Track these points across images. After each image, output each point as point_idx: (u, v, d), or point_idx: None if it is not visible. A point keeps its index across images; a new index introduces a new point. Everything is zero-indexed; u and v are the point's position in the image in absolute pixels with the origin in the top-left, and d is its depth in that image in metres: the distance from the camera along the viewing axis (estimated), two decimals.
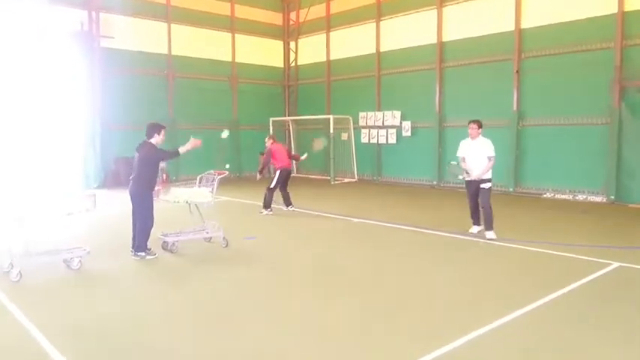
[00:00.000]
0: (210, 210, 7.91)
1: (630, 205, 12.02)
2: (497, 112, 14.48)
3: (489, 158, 8.32)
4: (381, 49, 17.82)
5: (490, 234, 8.27)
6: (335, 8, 19.37)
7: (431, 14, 16.17)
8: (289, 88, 21.53)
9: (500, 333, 4.52)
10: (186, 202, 7.69)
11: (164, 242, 7.62)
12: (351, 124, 18.61)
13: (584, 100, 13.04)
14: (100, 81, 15.98)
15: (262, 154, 12.05)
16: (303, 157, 12.82)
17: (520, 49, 14.16)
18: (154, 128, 7.41)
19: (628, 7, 12.26)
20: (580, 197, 13.09)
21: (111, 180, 15.75)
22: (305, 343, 4.38)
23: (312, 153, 14.30)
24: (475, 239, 8.38)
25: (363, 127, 18.36)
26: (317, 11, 19.97)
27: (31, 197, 6.81)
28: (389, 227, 9.63)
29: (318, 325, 4.78)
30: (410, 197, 14.21)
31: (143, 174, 7.23)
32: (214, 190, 7.87)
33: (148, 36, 17.26)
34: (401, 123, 17.22)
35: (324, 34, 19.82)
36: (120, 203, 7.35)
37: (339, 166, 18.42)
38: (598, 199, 12.81)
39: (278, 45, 21.37)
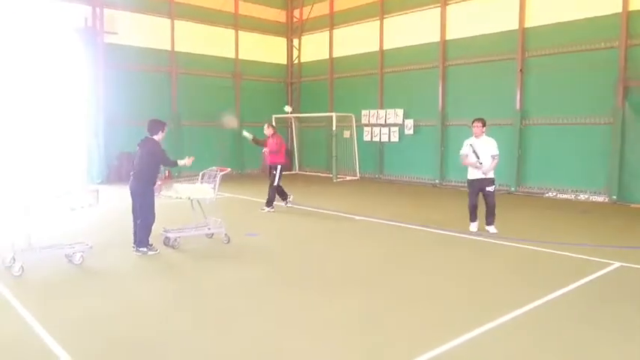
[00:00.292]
0: (212, 206, 7.93)
1: (632, 205, 11.99)
2: (500, 111, 14.45)
3: (493, 157, 8.49)
4: (384, 47, 17.79)
5: (493, 228, 8.68)
6: (338, 6, 19.34)
7: (434, 12, 16.13)
8: (292, 85, 21.52)
9: (500, 332, 4.52)
10: (189, 198, 7.70)
11: (166, 238, 7.64)
12: (354, 121, 18.61)
13: (587, 99, 13.01)
14: (103, 77, 16.00)
15: (258, 143, 11.54)
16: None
17: (524, 48, 14.12)
18: (158, 125, 7.42)
19: (633, 6, 12.20)
20: (582, 197, 13.07)
21: (114, 175, 15.80)
22: (305, 341, 4.39)
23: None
24: (477, 238, 8.38)
25: (366, 125, 18.35)
26: (320, 9, 19.95)
27: (36, 188, 6.84)
28: (391, 225, 9.64)
29: (318, 322, 4.79)
30: (412, 195, 14.21)
31: (145, 170, 7.24)
32: (216, 186, 7.88)
33: (151, 32, 17.27)
34: (403, 121, 17.20)
35: (328, 32, 19.81)
36: (123, 199, 7.37)
37: (342, 164, 18.42)
38: (600, 198, 12.79)
39: (281, 42, 21.35)
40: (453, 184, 15.57)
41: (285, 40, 21.43)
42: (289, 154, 12.52)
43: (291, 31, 21.35)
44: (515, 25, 14.24)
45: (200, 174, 8.19)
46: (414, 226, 9.41)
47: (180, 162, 7.42)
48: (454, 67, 15.86)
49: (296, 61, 21.40)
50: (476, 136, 8.60)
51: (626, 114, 12.33)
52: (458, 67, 15.76)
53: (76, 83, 15.69)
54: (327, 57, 19.89)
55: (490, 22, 14.80)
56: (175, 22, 17.85)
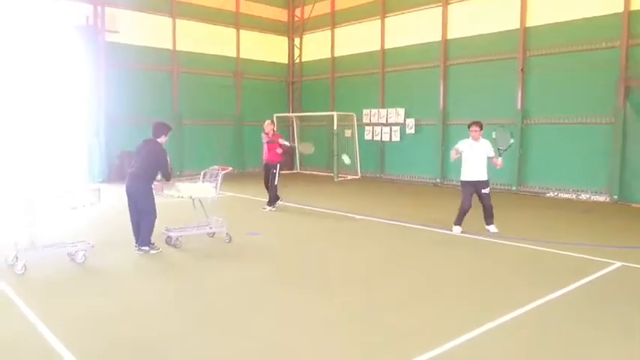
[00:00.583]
0: (213, 205, 7.94)
1: (633, 205, 12.00)
2: (502, 110, 14.45)
3: (489, 158, 8.64)
4: (386, 46, 17.79)
5: (494, 227, 8.71)
6: (340, 5, 19.35)
7: (436, 11, 16.12)
8: (293, 84, 21.53)
9: (501, 332, 4.53)
10: (190, 197, 7.72)
11: (168, 237, 7.66)
12: (355, 121, 18.61)
13: (588, 99, 13.00)
14: (104, 75, 16.02)
15: (272, 142, 11.23)
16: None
17: (525, 48, 14.12)
18: (162, 128, 7.43)
19: (634, 6, 12.19)
20: (583, 197, 13.07)
21: (115, 174, 15.81)
22: (305, 340, 4.41)
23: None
24: (478, 238, 8.38)
25: (367, 124, 18.35)
26: (322, 7, 19.95)
27: (38, 187, 6.86)
28: (392, 224, 9.65)
29: (319, 321, 4.81)
30: (413, 195, 14.22)
31: (144, 170, 7.23)
32: (218, 185, 7.89)
33: (152, 31, 17.28)
34: (405, 120, 17.21)
35: (329, 31, 19.81)
36: (124, 198, 7.36)
37: (343, 163, 18.42)
38: (601, 198, 12.79)
39: (283, 41, 21.36)
40: (454, 183, 15.56)
41: (287, 39, 21.43)
42: (289, 151, 12.40)
43: (293, 30, 21.35)
44: (516, 25, 14.24)
45: (202, 173, 8.19)
46: (414, 226, 9.42)
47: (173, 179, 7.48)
48: (455, 66, 15.86)
49: (297, 60, 21.40)
50: (475, 140, 8.60)
51: (627, 114, 12.33)
52: (459, 67, 15.76)
53: (77, 82, 15.70)
54: (329, 56, 19.90)
55: (491, 21, 14.79)
56: (177, 20, 17.86)
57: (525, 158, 14.29)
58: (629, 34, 12.27)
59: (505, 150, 8.88)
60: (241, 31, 19.67)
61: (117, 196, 11.44)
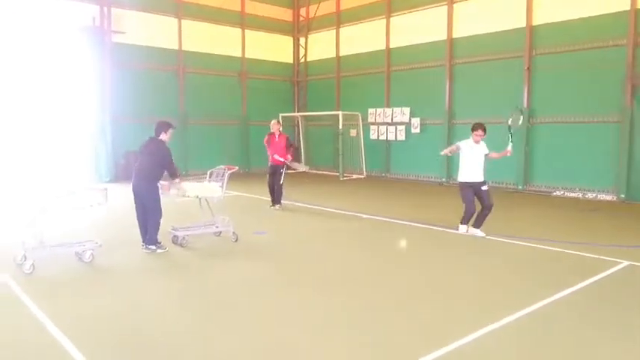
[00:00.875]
0: (219, 205, 7.96)
1: None
2: (507, 109, 14.16)
3: (486, 156, 8.53)
4: (391, 46, 17.78)
5: (480, 232, 8.45)
6: (345, 4, 19.35)
7: (441, 10, 16.10)
8: (299, 84, 21.55)
9: (505, 332, 4.52)
10: (197, 196, 7.75)
11: (174, 236, 7.69)
12: (360, 120, 18.61)
13: (595, 98, 12.95)
14: (110, 76, 16.12)
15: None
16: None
17: (531, 46, 14.08)
18: (162, 126, 7.47)
19: None
20: (590, 196, 13.02)
21: (122, 174, 15.87)
22: (308, 339, 4.41)
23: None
24: (486, 237, 8.36)
25: (372, 124, 18.35)
26: (327, 7, 19.96)
27: (46, 187, 6.90)
28: (397, 224, 9.64)
29: (322, 320, 4.81)
30: (418, 194, 14.20)
31: (148, 169, 7.25)
32: (224, 184, 7.91)
33: (158, 31, 17.36)
34: (410, 120, 17.19)
35: (334, 30, 19.81)
36: (130, 197, 7.39)
37: (348, 163, 18.44)
38: (608, 197, 12.73)
39: (288, 41, 21.38)
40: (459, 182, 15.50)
41: (292, 38, 21.46)
42: (295, 150, 12.45)
43: (298, 29, 21.37)
44: (522, 23, 14.20)
45: (208, 172, 8.21)
46: (419, 225, 9.41)
47: (178, 179, 7.49)
48: (461, 65, 15.83)
49: (302, 60, 21.41)
50: (477, 142, 8.54)
51: (634, 112, 12.27)
52: (465, 66, 15.73)
53: (84, 82, 15.76)
54: (334, 55, 19.90)
55: (497, 20, 14.76)
56: (182, 21, 17.93)
57: (531, 157, 14.24)
58: (636, 33, 12.21)
59: (513, 132, 8.80)
60: (246, 31, 19.71)
61: (124, 196, 11.52)
